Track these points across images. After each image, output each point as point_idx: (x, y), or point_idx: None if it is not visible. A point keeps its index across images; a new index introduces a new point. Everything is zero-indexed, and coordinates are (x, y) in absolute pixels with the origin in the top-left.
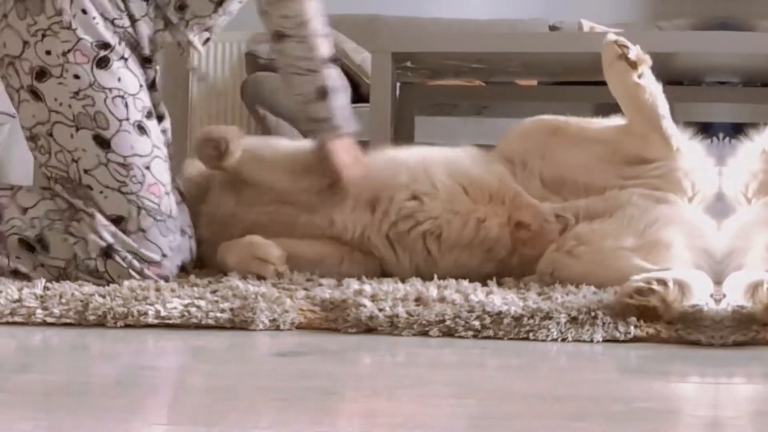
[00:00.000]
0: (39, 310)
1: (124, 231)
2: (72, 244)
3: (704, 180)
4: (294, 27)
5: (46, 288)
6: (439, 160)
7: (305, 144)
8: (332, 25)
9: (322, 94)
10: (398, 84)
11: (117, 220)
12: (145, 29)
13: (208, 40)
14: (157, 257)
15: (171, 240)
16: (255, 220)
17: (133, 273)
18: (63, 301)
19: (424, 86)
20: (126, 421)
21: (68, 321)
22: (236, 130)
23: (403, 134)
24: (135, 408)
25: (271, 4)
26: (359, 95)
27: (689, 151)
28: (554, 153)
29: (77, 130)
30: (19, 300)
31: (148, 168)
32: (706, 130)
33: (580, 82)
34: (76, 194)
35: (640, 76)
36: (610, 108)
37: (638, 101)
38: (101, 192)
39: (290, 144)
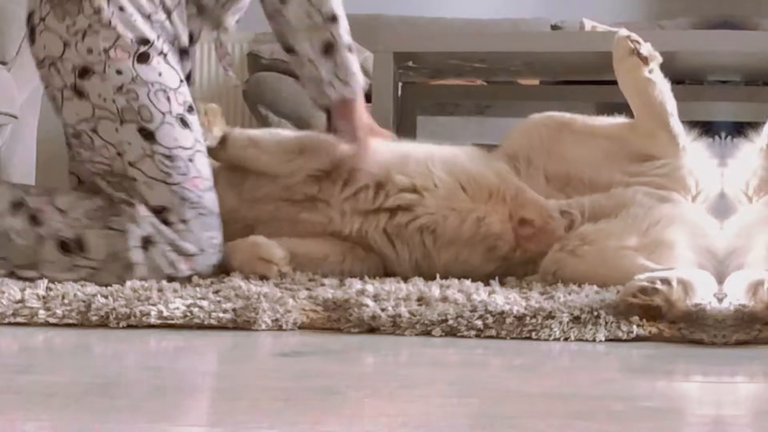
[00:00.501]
0: (41, 311)
1: (165, 221)
2: (111, 239)
3: (708, 179)
4: None
5: (48, 288)
6: (438, 158)
7: (305, 132)
8: None
9: (327, 49)
10: (400, 84)
11: (160, 210)
12: (179, 19)
13: (238, 20)
14: (194, 250)
15: (212, 236)
16: (257, 217)
17: (167, 266)
18: (65, 301)
19: (426, 86)
20: (129, 421)
21: (71, 321)
22: (215, 106)
23: (405, 134)
24: (138, 408)
25: None
26: None
27: (694, 150)
28: (560, 148)
29: (122, 123)
30: (22, 301)
31: (191, 160)
32: (707, 128)
33: (582, 81)
34: (121, 186)
35: (650, 72)
36: (612, 107)
37: (648, 97)
38: (145, 183)
39: (290, 131)
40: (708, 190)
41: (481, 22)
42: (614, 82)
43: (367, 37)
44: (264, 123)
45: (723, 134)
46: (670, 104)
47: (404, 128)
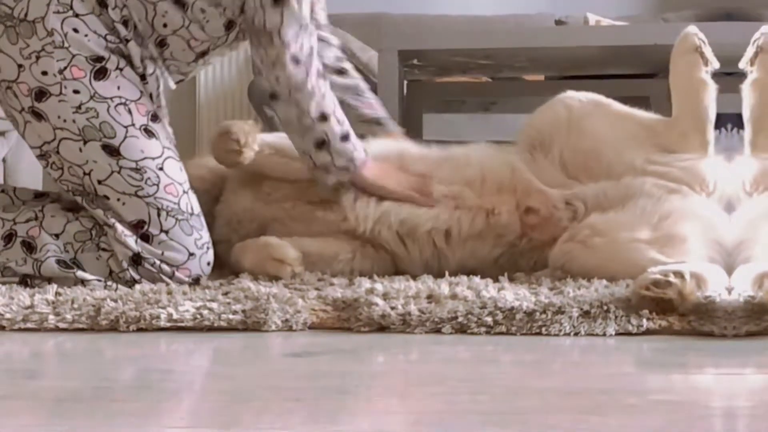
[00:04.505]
0: (51, 316)
1: (146, 236)
2: (106, 260)
3: (725, 181)
4: (284, 90)
5: (57, 294)
6: (450, 160)
7: None
8: (338, 24)
9: (320, 144)
10: (405, 82)
11: (139, 225)
12: (135, 49)
13: (181, 81)
14: (183, 258)
15: (197, 237)
16: (272, 215)
17: (164, 277)
18: (75, 306)
19: (431, 83)
20: (140, 425)
21: (80, 326)
22: (252, 124)
23: (411, 132)
24: (149, 411)
25: (265, 65)
26: None
27: (718, 159)
28: (589, 124)
29: (85, 143)
30: (31, 306)
31: (161, 169)
32: (714, 120)
33: (587, 76)
34: (96, 205)
35: (706, 74)
36: (618, 101)
37: (697, 97)
38: (118, 199)
39: None
40: (722, 191)
41: (485, 19)
42: (619, 77)
43: (372, 35)
44: (269, 124)
45: (729, 126)
46: (713, 111)
47: (410, 126)
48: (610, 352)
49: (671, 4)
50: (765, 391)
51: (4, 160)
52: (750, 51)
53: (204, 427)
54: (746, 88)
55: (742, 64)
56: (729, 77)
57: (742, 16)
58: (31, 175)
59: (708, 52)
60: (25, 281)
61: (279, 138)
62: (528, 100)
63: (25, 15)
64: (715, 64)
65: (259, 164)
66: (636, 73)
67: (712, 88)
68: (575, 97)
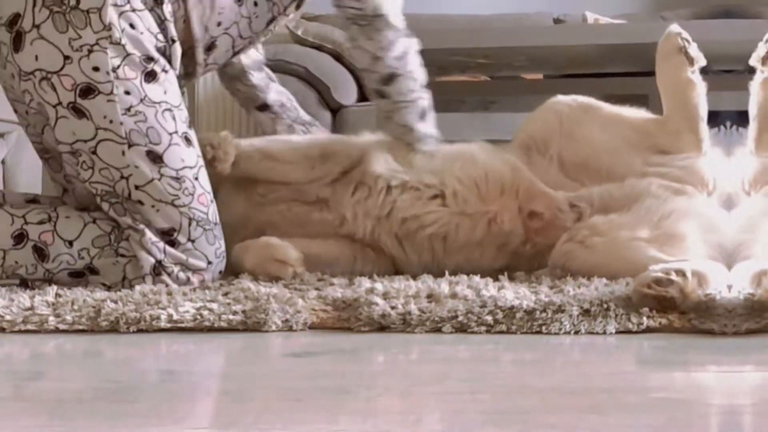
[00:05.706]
0: (51, 318)
1: (173, 242)
2: (123, 266)
3: (724, 178)
4: (401, 63)
5: (57, 295)
6: (452, 159)
7: (316, 136)
8: (339, 24)
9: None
10: None
11: (168, 232)
12: (178, 50)
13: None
14: (203, 265)
15: (217, 247)
16: (267, 219)
17: (179, 284)
18: (75, 307)
19: (430, 82)
20: (141, 426)
21: (81, 327)
22: (226, 134)
23: None
24: (150, 412)
25: (377, 53)
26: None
27: (714, 156)
28: (582, 131)
29: (129, 147)
30: (32, 308)
31: (197, 179)
32: (713, 118)
33: (586, 74)
34: (124, 209)
35: (692, 73)
36: (617, 100)
37: (685, 97)
38: (153, 206)
39: (300, 137)
40: (722, 190)
41: (483, 18)
42: (617, 75)
43: None
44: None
45: (728, 124)
46: (703, 109)
47: None
48: (611, 350)
49: (669, 2)
50: (765, 389)
51: (3, 162)
52: (762, 49)
53: (204, 428)
54: (755, 86)
55: (753, 62)
56: (728, 75)
57: (741, 14)
58: (30, 176)
59: (693, 50)
60: (26, 283)
61: (268, 141)
62: (527, 98)
63: (77, 2)
64: (701, 62)
65: (251, 171)
66: (634, 71)
67: (699, 87)
68: (564, 101)
